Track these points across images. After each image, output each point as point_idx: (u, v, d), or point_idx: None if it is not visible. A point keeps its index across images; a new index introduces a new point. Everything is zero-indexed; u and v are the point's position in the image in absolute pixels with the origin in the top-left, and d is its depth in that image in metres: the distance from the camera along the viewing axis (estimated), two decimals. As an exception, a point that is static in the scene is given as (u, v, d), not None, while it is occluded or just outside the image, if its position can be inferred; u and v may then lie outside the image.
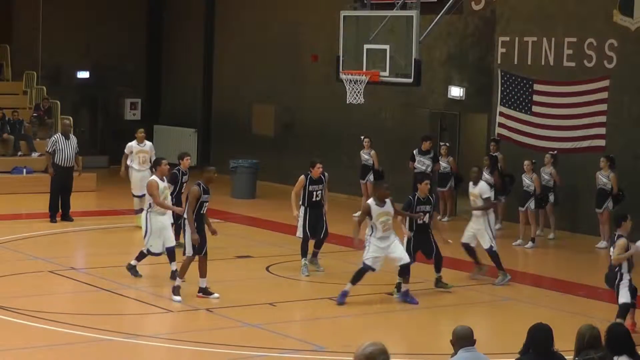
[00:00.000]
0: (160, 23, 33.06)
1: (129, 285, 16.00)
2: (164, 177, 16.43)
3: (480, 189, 17.16)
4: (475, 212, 17.26)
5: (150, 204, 16.15)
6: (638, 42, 21.24)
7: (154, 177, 16.26)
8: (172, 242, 16.20)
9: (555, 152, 21.56)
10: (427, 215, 16.17)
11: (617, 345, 8.17)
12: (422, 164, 22.61)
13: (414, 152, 22.89)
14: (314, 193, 17.24)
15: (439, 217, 23.17)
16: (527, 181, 20.88)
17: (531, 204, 20.80)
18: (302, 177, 17.27)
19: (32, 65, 29.95)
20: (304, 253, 17.27)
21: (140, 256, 16.50)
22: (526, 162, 20.91)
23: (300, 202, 17.33)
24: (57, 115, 28.41)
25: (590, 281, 17.63)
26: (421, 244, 16.19)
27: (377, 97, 24.19)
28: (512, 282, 17.70)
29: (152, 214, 16.12)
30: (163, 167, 16.29)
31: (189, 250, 15.02)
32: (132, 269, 16.54)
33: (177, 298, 14.99)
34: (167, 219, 16.35)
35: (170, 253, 16.03)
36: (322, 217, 17.36)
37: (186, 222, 14.98)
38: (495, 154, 22.09)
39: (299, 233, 17.38)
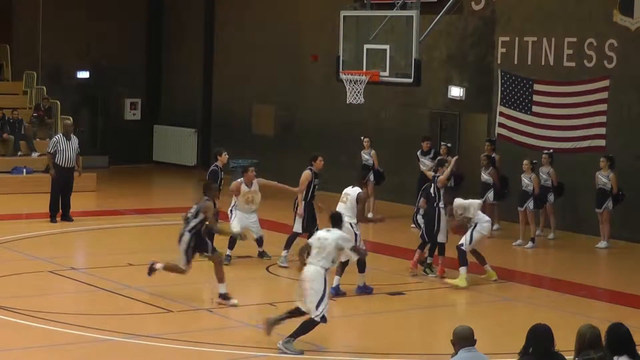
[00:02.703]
0: (160, 23, 33.06)
1: (129, 285, 16.01)
2: (251, 183, 18.13)
3: None
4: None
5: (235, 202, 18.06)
6: (638, 42, 21.25)
7: (241, 179, 18.19)
8: (259, 232, 18.32)
9: (552, 150, 21.55)
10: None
11: (617, 346, 8.16)
12: (423, 164, 22.60)
13: (418, 153, 22.88)
14: (315, 187, 17.56)
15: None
16: (526, 181, 20.86)
17: (530, 204, 20.79)
18: (308, 172, 17.63)
19: (32, 65, 29.95)
20: (289, 246, 17.69)
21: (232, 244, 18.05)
22: (525, 162, 20.90)
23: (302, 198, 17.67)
24: (57, 115, 28.40)
25: (590, 281, 17.65)
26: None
27: (377, 97, 24.19)
28: (512, 282, 17.71)
29: (237, 210, 18.06)
30: (250, 174, 18.08)
31: None
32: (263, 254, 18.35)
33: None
34: (253, 215, 18.20)
35: (260, 240, 18.36)
36: (314, 212, 17.68)
37: None
38: (492, 154, 22.05)
39: (297, 228, 17.58)
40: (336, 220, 13.35)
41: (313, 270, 12.66)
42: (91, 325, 13.49)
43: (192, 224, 15.02)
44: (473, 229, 16.83)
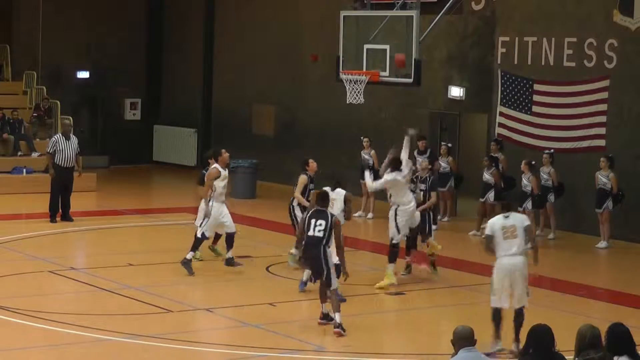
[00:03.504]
0: (160, 23, 33.06)
1: (129, 286, 16.01)
2: (226, 166, 17.35)
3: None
4: None
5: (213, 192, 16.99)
6: (638, 42, 21.24)
7: (215, 165, 17.07)
8: (233, 228, 17.22)
9: (552, 150, 21.56)
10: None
11: (617, 346, 8.17)
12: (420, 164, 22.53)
13: (415, 153, 22.84)
14: (310, 192, 17.42)
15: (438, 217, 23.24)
16: (525, 181, 20.85)
17: (528, 204, 20.77)
18: (304, 176, 17.21)
19: (32, 65, 29.94)
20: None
21: (197, 244, 17.07)
22: (523, 163, 20.86)
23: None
24: (57, 115, 28.39)
25: (590, 281, 17.64)
26: None
27: (377, 97, 24.18)
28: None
29: (215, 201, 16.96)
30: (224, 155, 17.15)
31: None
32: (187, 264, 16.89)
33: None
34: (224, 206, 17.21)
35: (231, 239, 17.19)
36: None
37: None
38: (497, 154, 22.06)
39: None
40: (509, 206, 13.20)
41: (520, 260, 12.78)
42: (91, 325, 13.48)
43: (330, 239, 13.83)
44: (395, 218, 16.40)
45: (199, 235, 17.11)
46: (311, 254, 13.63)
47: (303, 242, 13.70)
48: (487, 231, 12.98)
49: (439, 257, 17.56)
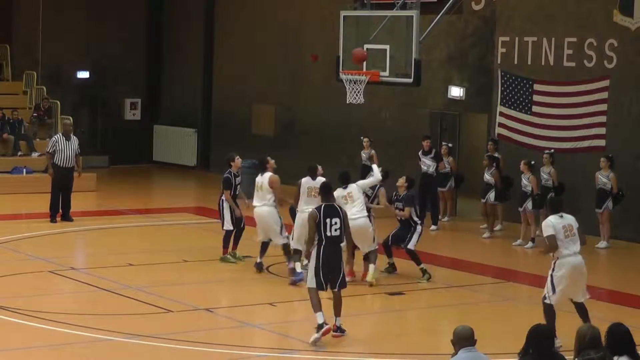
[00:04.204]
0: (160, 23, 33.06)
1: (129, 286, 16.00)
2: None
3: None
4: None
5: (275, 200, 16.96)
6: (638, 42, 21.25)
7: (269, 173, 17.05)
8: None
9: (552, 150, 21.54)
10: None
11: (617, 346, 8.17)
12: (424, 164, 22.52)
13: (419, 153, 22.78)
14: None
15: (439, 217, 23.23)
16: (525, 181, 20.84)
17: (528, 204, 20.77)
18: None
19: (32, 65, 29.94)
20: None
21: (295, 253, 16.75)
22: (522, 162, 20.85)
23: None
24: (57, 115, 28.40)
25: (590, 281, 17.57)
26: None
27: (377, 97, 24.19)
28: (513, 282, 17.71)
29: (276, 208, 17.11)
30: (271, 162, 17.13)
31: None
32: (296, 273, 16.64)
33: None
34: None
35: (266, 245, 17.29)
36: None
37: None
38: (495, 154, 22.04)
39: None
40: (560, 205, 13.27)
41: (581, 258, 13.15)
42: (91, 325, 13.48)
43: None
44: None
45: (293, 246, 16.78)
46: (331, 254, 13.24)
47: (323, 242, 13.22)
48: (550, 231, 12.95)
49: (439, 257, 17.55)
